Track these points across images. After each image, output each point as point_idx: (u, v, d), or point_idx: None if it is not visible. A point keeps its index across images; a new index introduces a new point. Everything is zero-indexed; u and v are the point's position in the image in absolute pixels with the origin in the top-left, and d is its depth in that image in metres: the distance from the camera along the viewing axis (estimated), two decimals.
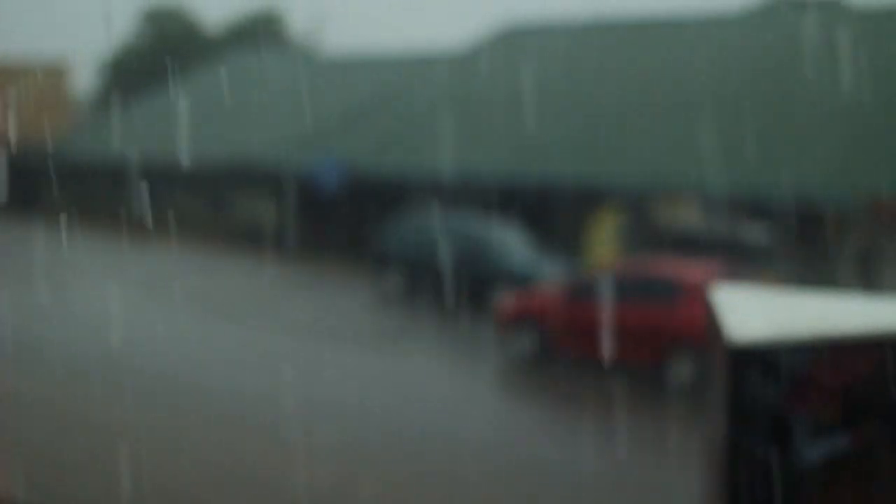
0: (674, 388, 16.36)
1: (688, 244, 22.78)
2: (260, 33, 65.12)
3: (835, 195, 25.18)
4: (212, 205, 39.83)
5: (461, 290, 24.68)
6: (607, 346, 16.70)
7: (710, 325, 1.24)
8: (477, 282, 24.36)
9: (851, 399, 1.16)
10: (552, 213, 29.44)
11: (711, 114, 29.06)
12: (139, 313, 21.38)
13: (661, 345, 16.65)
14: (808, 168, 26.20)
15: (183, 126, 41.61)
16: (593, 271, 19.72)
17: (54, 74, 46.59)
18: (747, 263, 22.00)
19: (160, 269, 29.17)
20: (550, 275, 24.22)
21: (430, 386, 16.12)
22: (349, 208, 32.92)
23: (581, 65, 33.26)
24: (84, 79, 66.41)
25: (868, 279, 24.94)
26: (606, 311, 16.86)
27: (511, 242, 25.76)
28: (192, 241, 36.30)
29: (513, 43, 35.97)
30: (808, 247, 26.70)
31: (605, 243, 26.62)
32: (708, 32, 32.44)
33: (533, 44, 35.31)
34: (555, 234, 28.60)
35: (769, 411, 1.16)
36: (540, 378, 17.60)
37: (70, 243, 35.12)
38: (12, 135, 44.30)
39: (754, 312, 1.22)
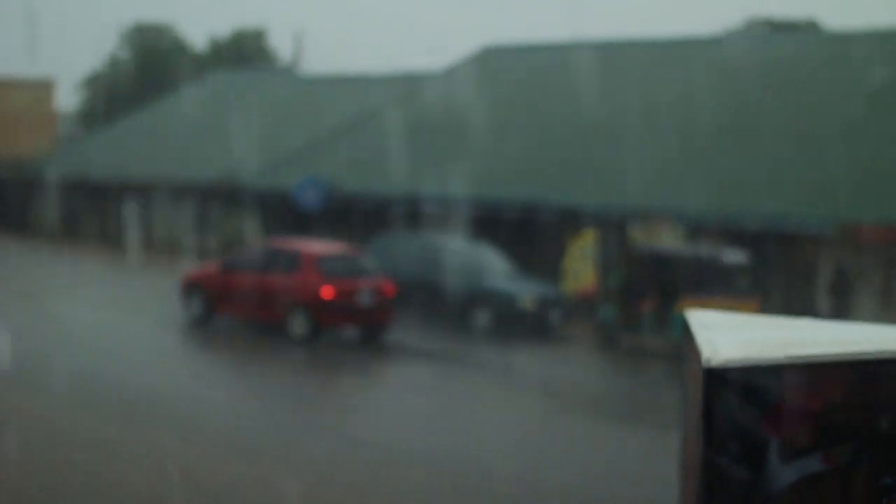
0: (289, 337, 20.96)
1: (666, 265, 22.85)
2: (244, 51, 65.18)
3: (812, 219, 25.31)
4: (195, 222, 39.77)
5: (438, 307, 24.74)
6: (247, 308, 21.66)
7: (686, 346, 1.26)
8: (455, 300, 24.43)
9: (825, 421, 1.17)
10: (531, 233, 29.50)
11: (690, 136, 29.20)
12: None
13: (284, 305, 21.15)
14: (786, 192, 26.33)
15: (167, 143, 41.57)
16: (243, 248, 24.89)
17: (40, 90, 46.41)
18: (725, 285, 22.09)
19: (136, 288, 29.09)
20: (527, 293, 24.32)
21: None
22: (331, 226, 32.92)
23: (561, 85, 33.39)
24: (70, 95, 66.19)
25: (843, 302, 25.08)
26: (246, 280, 21.47)
27: (489, 262, 25.79)
28: (175, 259, 36.22)
29: (491, 63, 36.11)
30: (785, 270, 26.82)
31: (583, 264, 26.68)
32: (687, 53, 32.61)
33: (511, 64, 35.46)
34: (534, 255, 28.65)
35: (744, 432, 1.17)
36: (199, 332, 22.26)
37: (49, 259, 34.97)
38: None
39: (730, 335, 1.23)
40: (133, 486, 10.93)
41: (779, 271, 26.92)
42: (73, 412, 13.91)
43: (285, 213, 33.97)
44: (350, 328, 21.88)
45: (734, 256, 22.73)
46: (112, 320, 22.52)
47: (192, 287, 22.47)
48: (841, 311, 24.58)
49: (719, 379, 1.10)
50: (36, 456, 11.54)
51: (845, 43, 30.71)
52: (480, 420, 16.11)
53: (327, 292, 21.09)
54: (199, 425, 13.67)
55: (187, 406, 14.80)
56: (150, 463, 11.75)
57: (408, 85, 37.69)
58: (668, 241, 26.54)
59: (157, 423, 13.51)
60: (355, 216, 33.22)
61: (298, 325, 21.13)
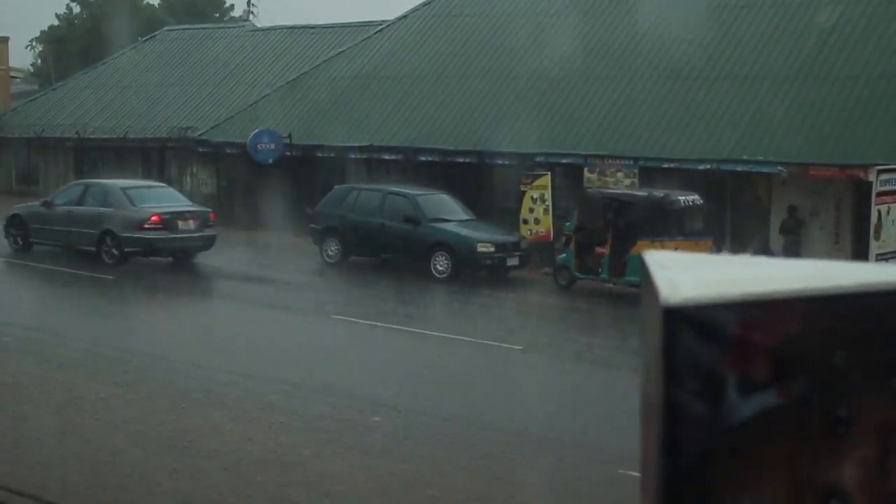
0: None
1: (621, 209, 22.95)
2: (198, 4, 64.42)
3: (763, 160, 25.48)
4: (151, 177, 39.46)
5: (397, 255, 24.82)
6: None
7: (644, 287, 1.28)
8: (413, 247, 24.52)
9: (781, 356, 1.20)
10: (487, 180, 29.52)
11: (643, 79, 29.24)
12: None
13: None
14: (737, 133, 26.47)
15: (122, 99, 41.11)
16: None
17: None
18: (679, 227, 22.24)
19: None
20: (485, 239, 24.45)
21: None
22: (287, 178, 32.76)
23: (514, 31, 33.25)
24: (22, 50, 65.10)
25: (796, 241, 25.34)
26: None
27: (446, 209, 25.84)
28: None
29: (444, 10, 35.87)
30: (737, 211, 27.04)
31: (539, 209, 26.75)
32: None
33: (464, 11, 35.26)
34: (490, 201, 28.68)
35: (703, 369, 1.19)
36: None
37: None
38: None
39: (688, 274, 1.25)
40: None
41: (732, 212, 27.12)
42: None
43: (241, 166, 33.76)
44: None
45: (688, 198, 22.85)
46: None
47: None
48: (794, 249, 24.84)
49: (677, 317, 1.13)
50: None
51: None
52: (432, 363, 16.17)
53: None
54: None
55: None
56: None
57: (361, 34, 37.41)
58: (623, 184, 26.65)
59: None
60: (312, 167, 33.06)
61: None
